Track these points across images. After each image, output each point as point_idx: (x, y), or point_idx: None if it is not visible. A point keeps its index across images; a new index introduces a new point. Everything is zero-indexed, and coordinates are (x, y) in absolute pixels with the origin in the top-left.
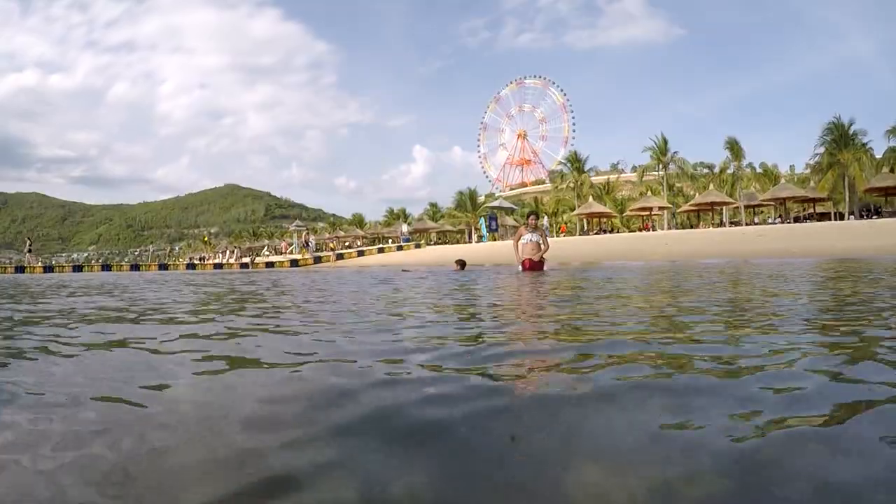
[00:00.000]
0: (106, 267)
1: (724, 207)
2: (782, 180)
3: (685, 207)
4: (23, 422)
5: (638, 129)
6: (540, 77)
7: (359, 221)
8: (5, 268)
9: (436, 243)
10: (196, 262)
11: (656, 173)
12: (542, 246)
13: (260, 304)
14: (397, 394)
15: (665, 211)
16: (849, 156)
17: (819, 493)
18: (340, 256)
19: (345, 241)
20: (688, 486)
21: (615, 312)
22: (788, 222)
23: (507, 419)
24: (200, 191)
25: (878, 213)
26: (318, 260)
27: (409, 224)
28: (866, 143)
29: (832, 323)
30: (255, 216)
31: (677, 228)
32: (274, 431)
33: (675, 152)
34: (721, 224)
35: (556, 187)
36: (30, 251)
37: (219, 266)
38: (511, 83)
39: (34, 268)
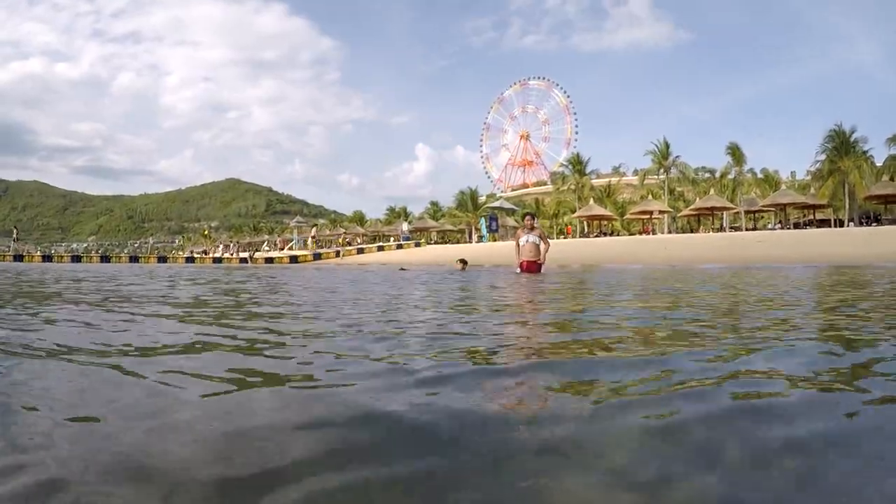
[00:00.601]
0: (105, 258)
1: (724, 212)
2: (783, 186)
3: (686, 212)
4: None
5: (641, 132)
6: (544, 78)
7: (359, 219)
8: (3, 255)
9: (436, 243)
10: (196, 255)
11: (657, 177)
12: (542, 245)
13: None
14: None
15: (665, 215)
16: (849, 163)
17: None
18: (338, 254)
19: (345, 239)
20: None
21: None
22: (788, 228)
23: None
24: (202, 184)
25: (878, 221)
26: (317, 257)
27: (409, 223)
28: (867, 151)
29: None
30: (255, 211)
31: (677, 232)
32: None
33: (676, 156)
34: (721, 229)
35: (558, 189)
36: (16, 240)
37: (218, 260)
38: (515, 84)
39: (32, 256)
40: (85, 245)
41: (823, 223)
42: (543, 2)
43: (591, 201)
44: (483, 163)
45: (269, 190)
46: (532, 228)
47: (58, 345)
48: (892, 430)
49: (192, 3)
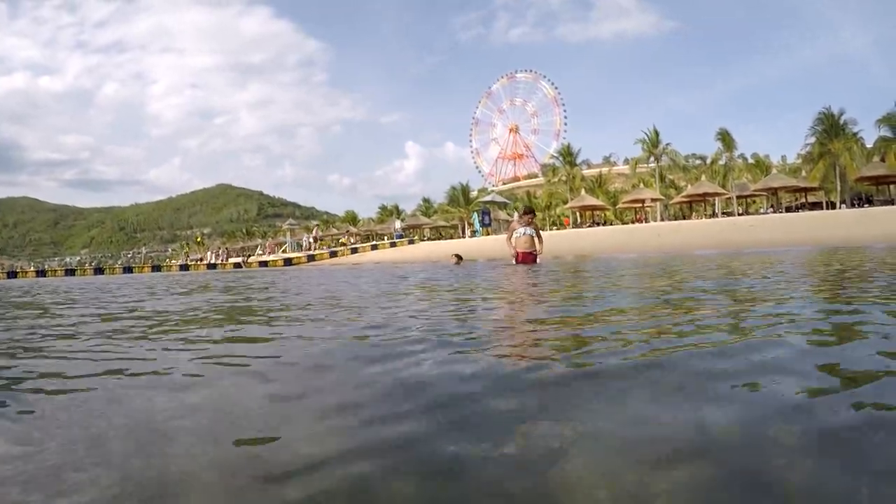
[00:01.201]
0: (99, 270)
1: (716, 198)
2: (774, 170)
3: (678, 199)
4: None
5: (630, 123)
6: (531, 71)
7: (352, 219)
8: None
9: (429, 239)
10: (190, 262)
11: (648, 165)
12: (537, 242)
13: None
14: None
15: (658, 203)
16: (840, 145)
17: None
18: (334, 254)
19: (338, 238)
20: None
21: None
22: (780, 212)
23: None
24: (192, 191)
25: (870, 202)
26: (311, 258)
27: (402, 220)
28: (857, 133)
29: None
30: (247, 215)
31: (670, 220)
32: None
33: (666, 144)
34: (714, 215)
35: (549, 181)
36: None
37: (212, 266)
38: (502, 78)
39: (27, 272)
40: (78, 258)
41: (815, 206)
42: None
43: (583, 192)
44: (473, 158)
45: (260, 194)
46: (528, 224)
47: None
48: None
49: (175, 9)
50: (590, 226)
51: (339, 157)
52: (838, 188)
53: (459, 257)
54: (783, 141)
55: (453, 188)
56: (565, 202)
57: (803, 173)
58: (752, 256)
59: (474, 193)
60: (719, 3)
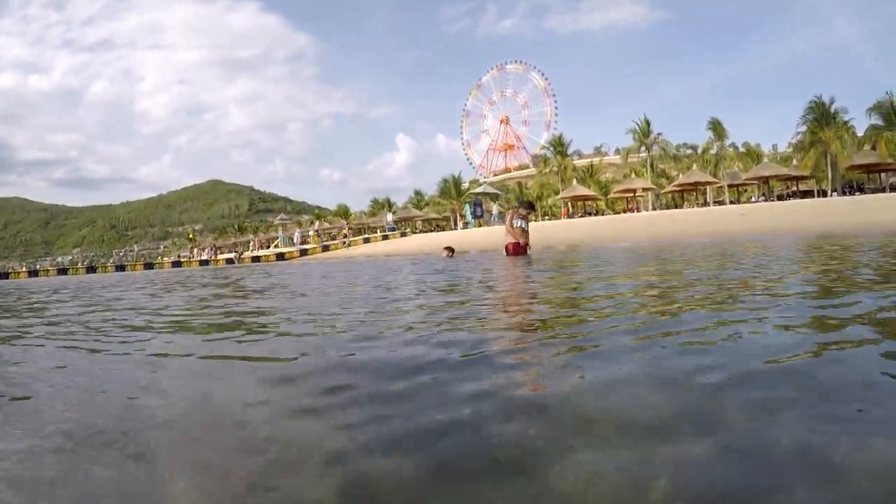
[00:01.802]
0: (91, 269)
1: (707, 187)
2: (765, 159)
3: (669, 188)
4: None
5: (621, 114)
6: (521, 62)
7: (344, 212)
8: None
9: (421, 231)
10: (182, 259)
11: (639, 155)
12: (527, 235)
13: None
14: None
15: (649, 192)
16: (830, 134)
17: None
18: (326, 248)
19: (330, 232)
20: None
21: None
22: (772, 200)
23: None
24: (183, 188)
25: (861, 190)
26: (303, 252)
27: (393, 213)
28: (848, 122)
29: None
30: (239, 211)
31: (662, 209)
32: None
33: (658, 134)
34: (705, 204)
35: (540, 171)
36: None
37: (205, 262)
38: (492, 69)
39: (18, 273)
40: (70, 257)
41: (807, 194)
42: None
43: (575, 182)
44: (464, 149)
45: (251, 189)
46: (524, 217)
47: None
48: None
49: (162, 6)
50: (582, 216)
51: (330, 152)
52: (829, 176)
53: (451, 250)
54: (774, 130)
55: (445, 180)
56: (557, 193)
57: (794, 162)
58: (746, 243)
59: (466, 185)
60: None
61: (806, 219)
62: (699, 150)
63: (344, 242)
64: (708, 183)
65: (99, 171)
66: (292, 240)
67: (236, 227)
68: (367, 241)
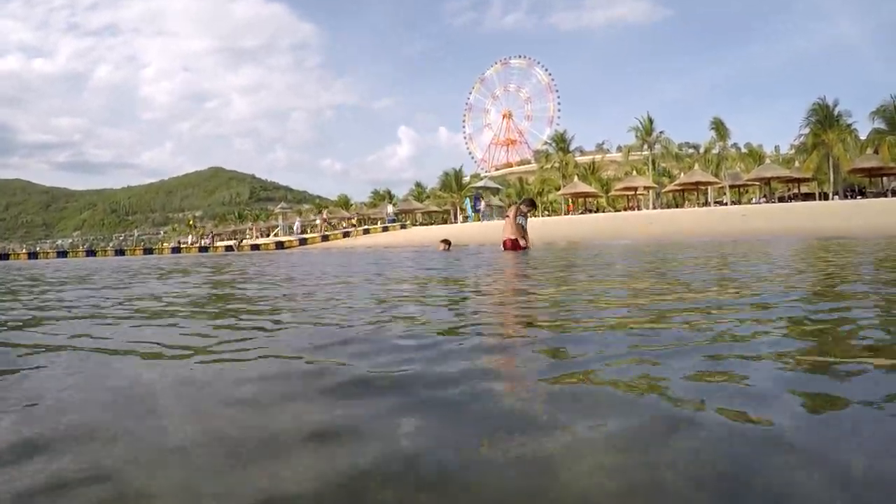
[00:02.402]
0: (90, 252)
1: (709, 187)
2: (767, 160)
3: (670, 187)
4: None
5: (623, 111)
6: (525, 57)
7: (344, 203)
8: None
9: (421, 224)
10: (182, 245)
11: (641, 153)
12: (525, 233)
13: None
14: None
15: (650, 190)
16: (833, 136)
17: None
18: (326, 238)
19: (331, 221)
20: None
21: None
22: (773, 202)
23: None
24: (184, 174)
25: (863, 194)
26: (302, 242)
27: (394, 205)
28: (851, 125)
29: None
30: (239, 199)
31: (663, 208)
32: None
33: (660, 132)
34: (706, 203)
35: (542, 167)
36: None
37: (204, 249)
38: (496, 63)
39: (18, 255)
40: (70, 241)
41: (808, 197)
42: None
43: (576, 178)
44: (466, 143)
45: (253, 177)
46: (524, 215)
47: None
48: None
49: None
50: (582, 213)
51: (332, 142)
52: (831, 179)
53: (448, 242)
54: (777, 131)
55: (446, 173)
56: (558, 189)
57: (797, 164)
58: (745, 244)
59: (467, 179)
60: None
61: (807, 221)
62: (701, 150)
63: (346, 233)
64: (709, 183)
65: (101, 156)
66: (292, 228)
67: (236, 214)
68: (366, 231)
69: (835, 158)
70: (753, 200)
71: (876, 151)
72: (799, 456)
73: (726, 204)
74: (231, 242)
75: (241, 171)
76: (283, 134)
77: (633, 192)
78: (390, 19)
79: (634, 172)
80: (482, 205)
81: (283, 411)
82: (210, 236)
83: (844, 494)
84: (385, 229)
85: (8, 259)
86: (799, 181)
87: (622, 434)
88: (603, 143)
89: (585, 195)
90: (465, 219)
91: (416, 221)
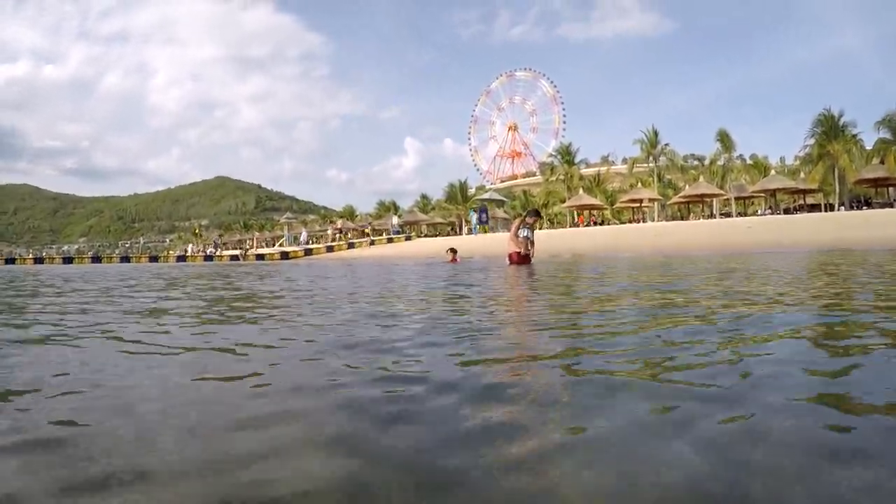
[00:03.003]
0: (96, 259)
1: (714, 199)
2: (772, 172)
3: (675, 199)
4: None
5: (629, 123)
6: (530, 69)
7: (350, 213)
8: None
9: (426, 236)
10: (187, 254)
11: (647, 165)
12: (532, 245)
13: None
14: None
15: (655, 203)
16: (839, 147)
17: None
18: (331, 249)
19: (344, 230)
20: None
21: None
22: (778, 214)
23: None
24: (191, 183)
25: (868, 205)
26: (308, 252)
27: (399, 216)
28: (856, 135)
29: None
30: (245, 208)
31: (668, 220)
32: None
33: (665, 144)
34: (711, 215)
35: (547, 179)
36: None
37: (209, 258)
38: (501, 76)
39: (25, 259)
40: (76, 247)
41: (814, 208)
42: None
43: (581, 191)
44: (472, 155)
45: (259, 187)
46: (531, 226)
47: None
48: None
49: (179, 1)
50: (587, 225)
51: (338, 152)
52: (837, 190)
53: (455, 252)
54: (782, 142)
55: (451, 185)
56: (563, 201)
57: (802, 175)
58: (751, 258)
59: (472, 191)
60: (720, 3)
61: (813, 233)
62: (706, 162)
63: (351, 244)
64: (714, 195)
65: (108, 162)
66: (297, 239)
67: (242, 223)
68: (372, 243)
69: (840, 169)
70: (759, 212)
71: (882, 162)
72: None
73: (732, 216)
74: (237, 252)
75: (247, 180)
76: (290, 143)
77: (638, 205)
78: (398, 30)
79: (640, 184)
80: (474, 218)
81: None
82: (215, 245)
83: None
84: (390, 240)
85: (14, 263)
86: (804, 192)
87: None
88: (608, 156)
89: (591, 207)
90: (470, 231)
91: (422, 233)
